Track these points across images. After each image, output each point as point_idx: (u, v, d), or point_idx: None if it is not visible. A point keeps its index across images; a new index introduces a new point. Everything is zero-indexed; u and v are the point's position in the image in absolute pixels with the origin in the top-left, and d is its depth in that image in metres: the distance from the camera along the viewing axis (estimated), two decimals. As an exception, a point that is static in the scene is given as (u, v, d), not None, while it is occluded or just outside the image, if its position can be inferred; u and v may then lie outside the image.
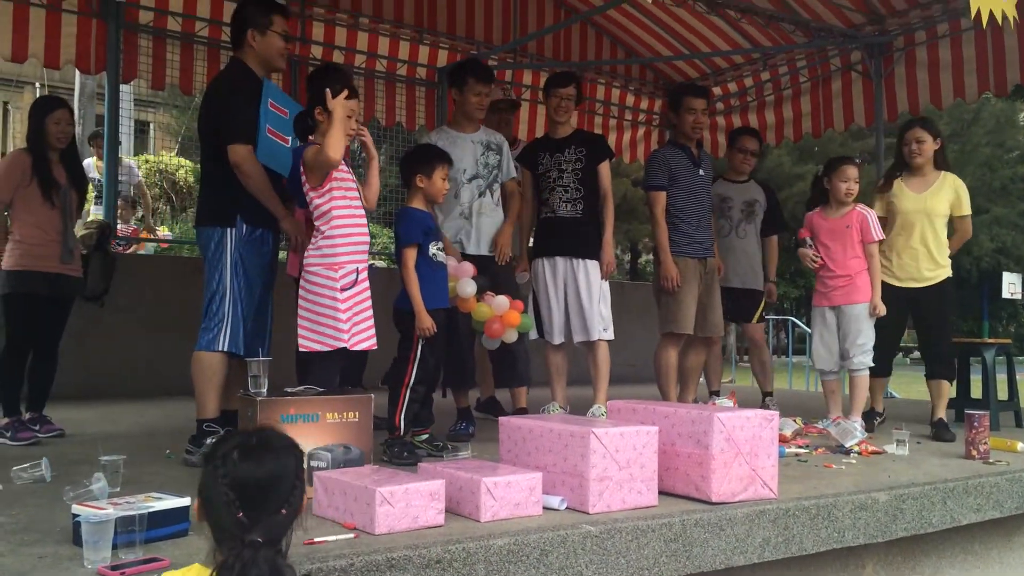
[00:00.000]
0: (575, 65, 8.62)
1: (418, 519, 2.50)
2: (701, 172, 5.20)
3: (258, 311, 3.66)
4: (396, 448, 3.65)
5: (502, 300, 4.35)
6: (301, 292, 3.47)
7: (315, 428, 2.93)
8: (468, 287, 4.26)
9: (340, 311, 3.40)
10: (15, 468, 3.10)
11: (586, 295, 4.75)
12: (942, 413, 4.93)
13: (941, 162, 5.04)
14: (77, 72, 6.60)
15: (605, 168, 4.94)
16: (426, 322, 3.73)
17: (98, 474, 2.68)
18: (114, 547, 2.14)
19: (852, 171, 4.86)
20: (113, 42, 6.40)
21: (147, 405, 5.83)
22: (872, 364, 4.81)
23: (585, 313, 4.73)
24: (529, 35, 8.15)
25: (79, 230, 4.76)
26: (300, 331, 3.42)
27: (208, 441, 3.51)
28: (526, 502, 2.69)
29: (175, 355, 4.81)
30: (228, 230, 3.57)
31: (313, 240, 3.45)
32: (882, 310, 4.77)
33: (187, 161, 13.09)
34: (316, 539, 2.34)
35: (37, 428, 4.31)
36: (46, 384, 4.51)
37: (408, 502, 2.48)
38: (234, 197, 3.57)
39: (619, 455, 2.83)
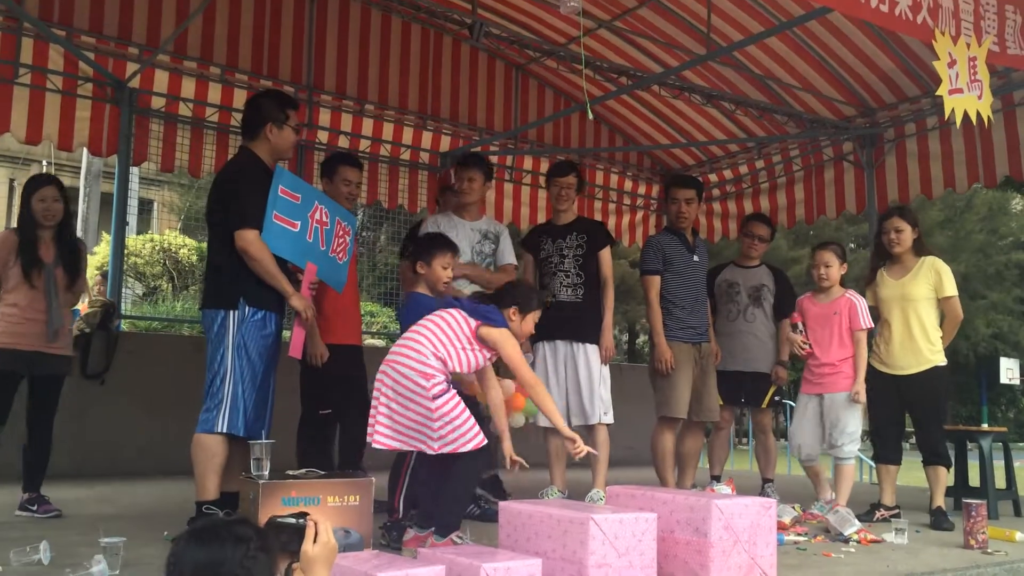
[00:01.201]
0: (575, 151, 8.85)
1: (418, 605, 2.50)
2: (695, 258, 5.34)
3: (259, 393, 3.69)
4: (395, 532, 3.65)
5: (508, 384, 4.37)
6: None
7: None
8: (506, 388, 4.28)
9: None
10: (14, 551, 3.10)
11: (586, 379, 4.82)
12: (940, 501, 4.93)
13: (920, 249, 5.13)
14: (85, 150, 6.79)
15: (606, 255, 5.08)
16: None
17: (98, 556, 2.70)
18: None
19: (824, 256, 4.98)
20: (126, 127, 6.58)
21: (144, 485, 5.81)
22: (858, 453, 4.84)
23: (584, 397, 4.78)
24: (530, 123, 8.39)
25: (85, 308, 4.84)
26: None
27: (206, 523, 3.52)
28: (525, 589, 2.69)
29: (174, 434, 4.86)
30: (231, 312, 3.65)
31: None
32: (862, 399, 4.81)
33: (190, 240, 13.26)
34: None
35: (35, 509, 4.31)
36: (41, 463, 4.53)
37: (408, 588, 2.48)
38: (237, 280, 3.66)
39: (618, 542, 2.84)
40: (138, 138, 6.72)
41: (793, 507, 4.93)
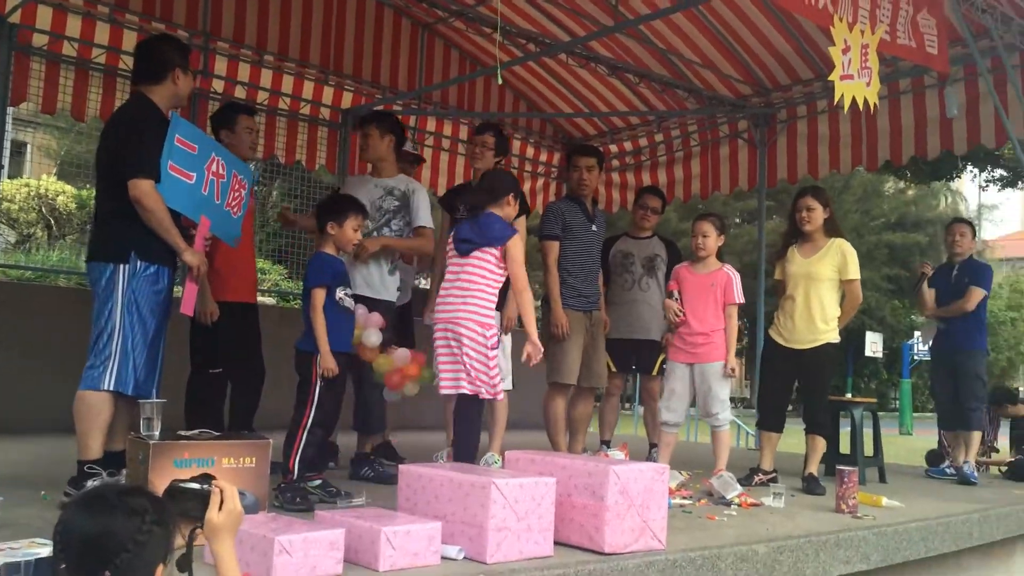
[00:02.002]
0: (479, 115, 8.79)
1: (316, 569, 2.48)
2: (594, 228, 5.42)
3: (150, 350, 3.55)
4: (289, 494, 3.60)
5: (403, 353, 4.36)
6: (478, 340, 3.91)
7: (212, 473, 2.86)
8: (372, 337, 4.27)
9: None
10: None
11: None
12: (814, 468, 5.19)
13: (831, 229, 5.30)
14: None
15: (520, 224, 5.07)
16: (330, 363, 3.75)
17: None
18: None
19: (702, 226, 5.10)
20: (4, 64, 6.15)
21: (19, 442, 5.53)
22: (732, 418, 5.03)
23: (501, 366, 4.81)
24: (435, 84, 8.28)
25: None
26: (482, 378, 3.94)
27: (89, 483, 3.38)
28: (425, 552, 2.71)
29: (52, 390, 4.61)
30: (121, 266, 3.48)
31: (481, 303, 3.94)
32: (734, 372, 4.99)
33: (68, 187, 12.58)
34: (212, 588, 2.29)
35: None
36: None
37: (307, 551, 2.46)
38: (129, 233, 3.49)
39: (518, 506, 2.88)
40: (17, 76, 6.29)
41: (680, 472, 5.10)
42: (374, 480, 4.52)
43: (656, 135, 9.19)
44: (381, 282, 4.78)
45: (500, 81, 5.69)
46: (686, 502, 4.42)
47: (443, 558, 2.79)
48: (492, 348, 3.94)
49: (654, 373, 5.93)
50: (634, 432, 10.34)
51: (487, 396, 3.98)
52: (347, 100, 8.02)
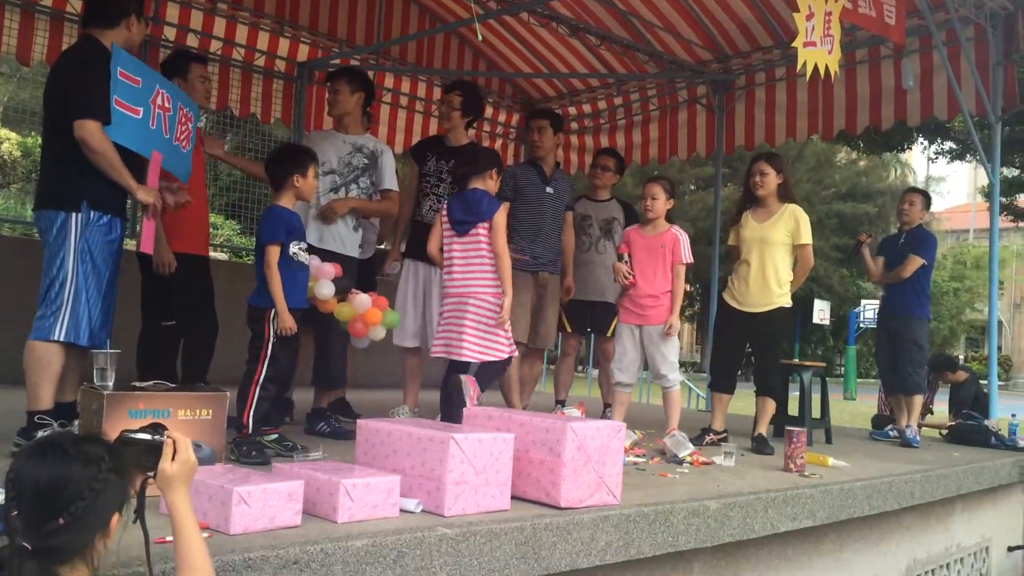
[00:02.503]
0: (437, 72, 8.71)
1: (275, 519, 2.48)
2: (548, 190, 5.43)
3: (105, 301, 3.48)
4: (245, 447, 3.58)
5: (363, 299, 4.33)
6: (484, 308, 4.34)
7: (168, 424, 2.83)
8: (324, 288, 4.21)
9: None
10: None
11: (438, 305, 4.85)
12: (763, 429, 5.30)
13: (785, 195, 5.36)
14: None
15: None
16: (288, 321, 3.70)
17: None
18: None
19: (651, 188, 5.13)
20: (-56, 2, 5.93)
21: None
22: (682, 378, 5.12)
23: (434, 322, 4.82)
24: (393, 39, 8.16)
25: None
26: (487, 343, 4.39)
27: (39, 434, 3.32)
28: (383, 504, 2.72)
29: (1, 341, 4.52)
30: (73, 215, 3.38)
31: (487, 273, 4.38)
32: (676, 331, 5.03)
33: (13, 134, 12.18)
34: (168, 538, 2.27)
35: None
36: None
37: (265, 502, 2.45)
38: (80, 180, 3.39)
39: (476, 460, 2.90)
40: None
41: (634, 431, 5.17)
42: (330, 436, 4.51)
43: (615, 98, 9.19)
44: (347, 238, 4.76)
45: (480, 37, 5.68)
46: (639, 460, 4.49)
47: (401, 511, 2.80)
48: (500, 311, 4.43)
49: (608, 334, 5.98)
50: (587, 394, 10.45)
51: (508, 355, 4.49)
52: (303, 53, 7.88)
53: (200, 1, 7.20)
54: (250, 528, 2.42)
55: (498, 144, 9.70)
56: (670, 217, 5.22)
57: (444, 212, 4.54)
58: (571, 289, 5.78)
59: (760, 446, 5.20)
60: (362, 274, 5.09)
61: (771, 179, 5.29)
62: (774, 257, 5.24)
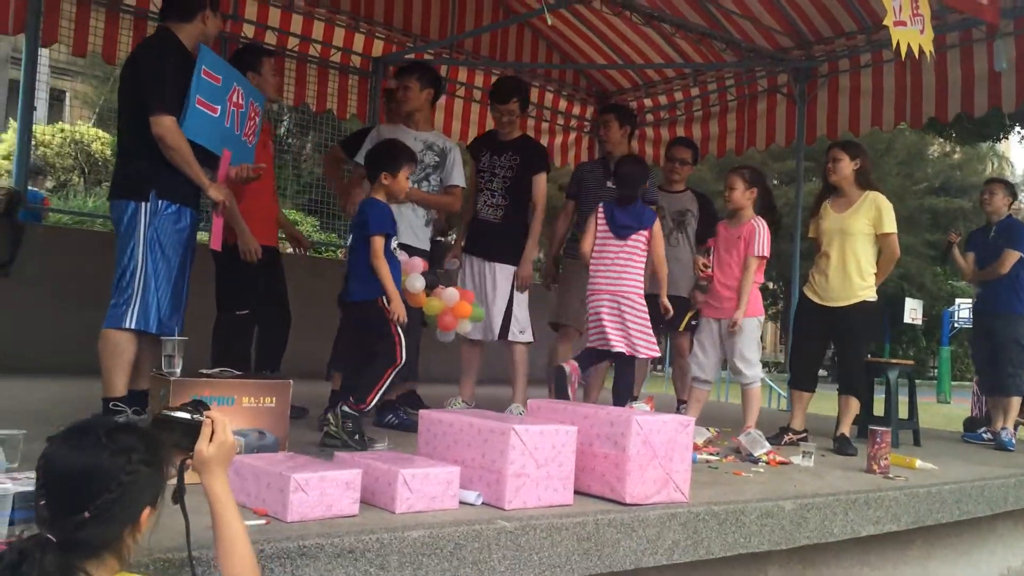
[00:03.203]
0: (511, 66, 8.66)
1: (332, 508, 2.46)
2: (609, 184, 5.33)
3: (174, 289, 3.54)
4: (352, 425, 3.58)
5: (452, 292, 4.38)
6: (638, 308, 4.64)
7: (230, 412, 2.85)
8: (417, 282, 4.24)
9: None
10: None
11: (491, 297, 4.91)
12: (846, 429, 5.09)
13: (864, 183, 5.13)
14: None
15: (540, 180, 5.11)
16: (401, 308, 3.77)
17: None
18: (12, 523, 2.04)
19: (730, 179, 4.98)
20: (35, 3, 6.13)
21: (51, 381, 5.58)
22: (762, 375, 4.95)
23: (492, 315, 4.83)
24: (466, 32, 8.14)
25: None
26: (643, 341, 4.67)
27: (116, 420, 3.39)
28: (442, 495, 2.67)
29: (84, 331, 4.63)
30: (142, 204, 3.45)
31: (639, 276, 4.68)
32: (742, 328, 4.82)
33: (104, 133, 12.63)
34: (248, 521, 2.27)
35: None
36: None
37: (323, 490, 2.43)
38: (150, 170, 3.46)
39: (537, 453, 2.83)
40: (48, 18, 6.28)
41: (708, 429, 5.03)
42: (399, 428, 4.50)
43: (692, 89, 8.99)
44: (419, 232, 4.77)
45: (550, 21, 5.64)
46: (712, 458, 4.36)
47: (461, 503, 2.75)
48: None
49: (681, 329, 5.82)
50: (664, 391, 10.27)
51: (651, 355, 4.75)
52: (378, 48, 7.93)
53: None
54: (307, 516, 2.40)
55: (572, 137, 9.60)
56: (762, 209, 5.02)
57: (602, 215, 4.73)
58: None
59: (842, 446, 4.99)
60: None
61: (844, 164, 5.08)
62: (855, 248, 5.03)
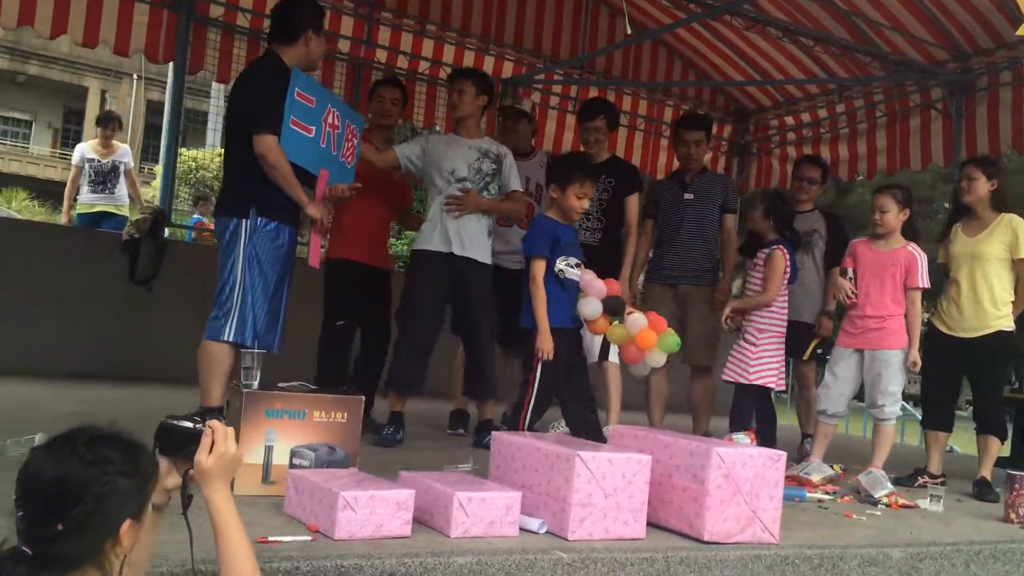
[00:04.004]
0: (642, 85, 8.52)
1: (382, 528, 2.41)
2: (688, 196, 5.13)
3: (271, 304, 3.63)
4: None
5: (636, 319, 3.99)
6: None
7: (301, 425, 2.88)
8: (588, 307, 3.91)
9: None
10: (10, 440, 3.11)
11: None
12: (987, 471, 4.63)
13: (1000, 204, 4.70)
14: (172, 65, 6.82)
15: (632, 201, 5.02)
16: (546, 344, 3.59)
17: (42, 434, 2.70)
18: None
19: (880, 199, 4.60)
20: (183, 34, 6.54)
21: (181, 391, 5.86)
22: (900, 413, 4.56)
23: (584, 337, 4.65)
24: (596, 51, 8.05)
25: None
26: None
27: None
28: (501, 521, 2.58)
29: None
30: (243, 221, 3.57)
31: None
32: (918, 366, 4.48)
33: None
34: (271, 538, 2.27)
35: None
36: None
37: (372, 509, 2.39)
38: (251, 188, 3.57)
39: (605, 482, 2.69)
40: (195, 47, 6.68)
41: (832, 466, 4.69)
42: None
43: (837, 105, 8.52)
44: (485, 247, 4.53)
45: (629, 30, 5.49)
46: (827, 497, 4.05)
47: (522, 530, 2.65)
48: None
49: (805, 358, 5.47)
50: (786, 422, 9.71)
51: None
52: (508, 69, 7.96)
53: (410, 23, 7.47)
54: (355, 535, 2.37)
55: (707, 158, 9.28)
56: (910, 234, 4.65)
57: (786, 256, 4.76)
58: (727, 294, 5.31)
59: (982, 491, 4.54)
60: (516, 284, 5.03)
61: (980, 184, 4.65)
62: (988, 274, 4.58)
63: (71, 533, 1.39)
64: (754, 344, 4.67)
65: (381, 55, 7.47)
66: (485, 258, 4.48)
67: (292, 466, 2.81)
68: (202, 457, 1.70)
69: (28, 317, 6.02)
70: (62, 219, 7.90)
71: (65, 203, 7.80)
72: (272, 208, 3.59)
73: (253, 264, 3.57)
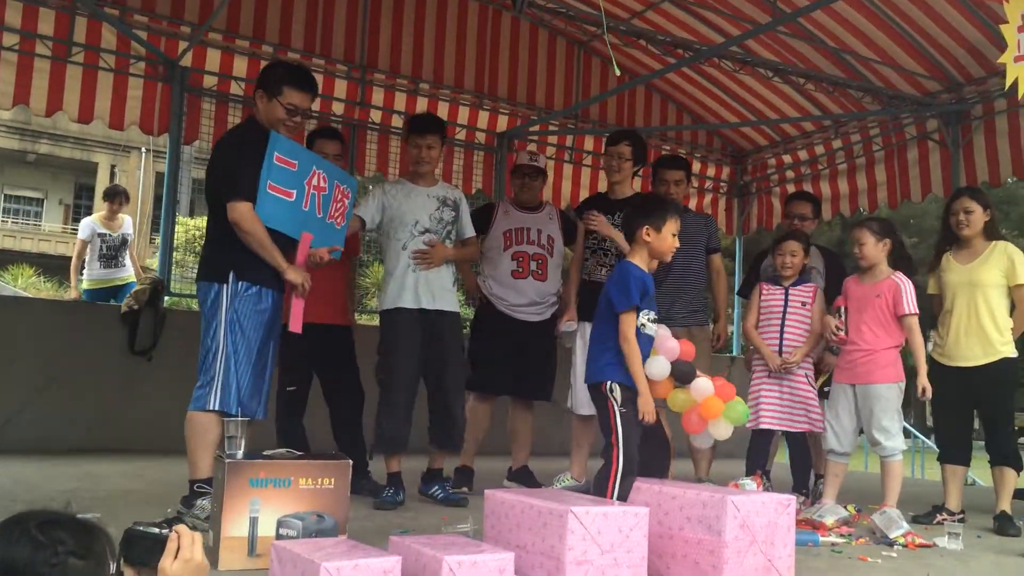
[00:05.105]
0: (640, 131, 8.50)
1: (368, 598, 2.33)
2: None
3: (255, 369, 3.56)
4: None
5: (702, 385, 3.70)
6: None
7: (286, 494, 2.81)
8: (655, 367, 3.57)
9: None
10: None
11: None
12: (1006, 504, 4.49)
13: (992, 232, 4.67)
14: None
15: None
16: (650, 406, 3.35)
17: None
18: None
19: (856, 233, 4.56)
20: (177, 106, 6.61)
21: (181, 462, 5.79)
22: (904, 447, 4.44)
23: (575, 387, 4.56)
24: (590, 99, 8.10)
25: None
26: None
27: (199, 502, 3.43)
28: (494, 585, 2.49)
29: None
30: (223, 286, 3.53)
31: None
32: (928, 394, 4.37)
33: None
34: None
35: None
36: None
37: (357, 579, 2.31)
38: (230, 253, 3.54)
39: (601, 537, 2.60)
40: (189, 117, 6.74)
41: (846, 507, 4.57)
42: (443, 502, 4.42)
43: (833, 141, 8.52)
44: (453, 296, 4.54)
45: (617, 72, 5.50)
46: (840, 540, 3.92)
47: (518, 592, 2.55)
48: None
49: (811, 395, 5.36)
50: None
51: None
52: (502, 123, 8.01)
53: (403, 83, 7.53)
54: (341, 607, 2.28)
55: (707, 199, 9.29)
56: (903, 264, 4.59)
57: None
58: (722, 336, 5.23)
59: (1003, 526, 4.41)
60: (539, 334, 4.98)
61: (977, 216, 4.63)
62: (988, 300, 4.52)
63: None
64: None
65: (375, 115, 7.52)
66: (453, 307, 4.48)
67: (278, 537, 2.73)
68: (166, 563, 1.62)
69: (34, 393, 5.98)
70: (71, 294, 7.90)
71: (72, 278, 7.77)
72: (253, 272, 3.55)
73: (235, 328, 3.51)
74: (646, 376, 3.44)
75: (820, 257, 5.52)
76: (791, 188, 9.00)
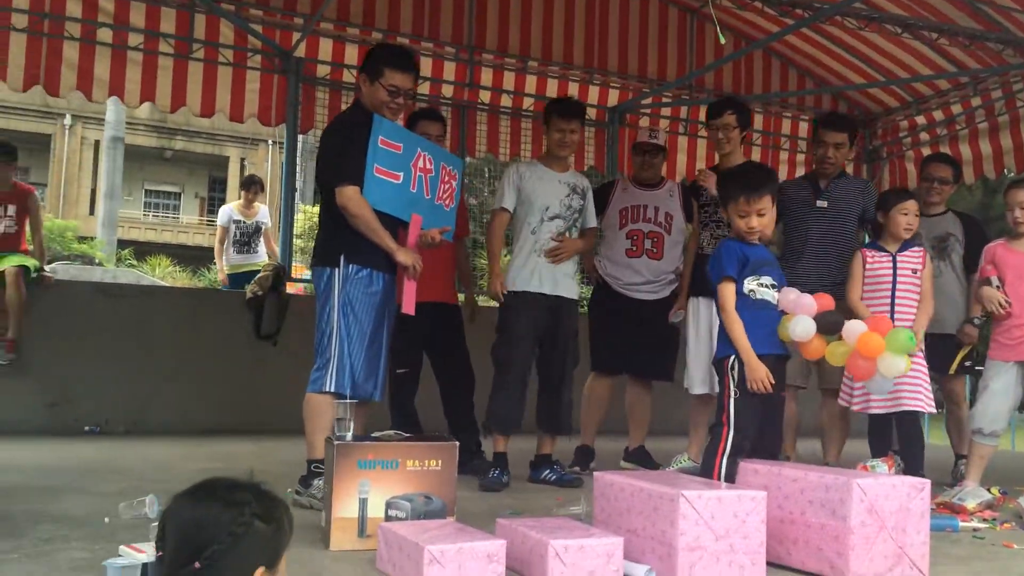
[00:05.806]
0: (757, 98, 8.18)
1: (472, 581, 2.29)
2: (819, 203, 4.70)
3: (369, 351, 3.59)
4: None
5: (853, 326, 3.41)
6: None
7: (394, 475, 2.81)
8: (799, 326, 3.31)
9: None
10: (123, 504, 3.18)
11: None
12: None
13: None
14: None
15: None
16: (758, 372, 3.24)
17: (152, 496, 2.73)
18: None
19: (1016, 195, 4.18)
20: (293, 96, 6.76)
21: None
22: None
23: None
24: (705, 67, 7.80)
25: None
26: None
27: (316, 482, 3.49)
28: (602, 570, 2.41)
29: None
30: (334, 270, 3.57)
31: None
32: None
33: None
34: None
35: None
36: None
37: (461, 563, 2.28)
38: (340, 237, 3.58)
39: (715, 523, 2.48)
40: (305, 107, 6.88)
41: (989, 490, 4.26)
42: (556, 484, 4.37)
43: (972, 99, 7.92)
44: (575, 286, 4.57)
45: (723, 40, 5.22)
46: (982, 525, 3.65)
47: (627, 577, 2.47)
48: None
49: (952, 372, 4.98)
50: (941, 441, 8.96)
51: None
52: (613, 97, 7.83)
53: (511, 62, 7.46)
54: (445, 590, 2.26)
55: (833, 167, 8.82)
56: None
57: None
58: None
59: None
60: (657, 312, 4.85)
61: None
62: None
63: (208, 572, 1.46)
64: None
65: (484, 96, 7.49)
66: (573, 294, 4.51)
67: (387, 518, 2.74)
68: None
69: (167, 378, 6.28)
70: (219, 276, 8.32)
71: (219, 262, 8.25)
72: (363, 255, 3.58)
73: (348, 311, 3.55)
74: (793, 338, 3.31)
75: (958, 223, 5.14)
76: (926, 151, 8.45)
